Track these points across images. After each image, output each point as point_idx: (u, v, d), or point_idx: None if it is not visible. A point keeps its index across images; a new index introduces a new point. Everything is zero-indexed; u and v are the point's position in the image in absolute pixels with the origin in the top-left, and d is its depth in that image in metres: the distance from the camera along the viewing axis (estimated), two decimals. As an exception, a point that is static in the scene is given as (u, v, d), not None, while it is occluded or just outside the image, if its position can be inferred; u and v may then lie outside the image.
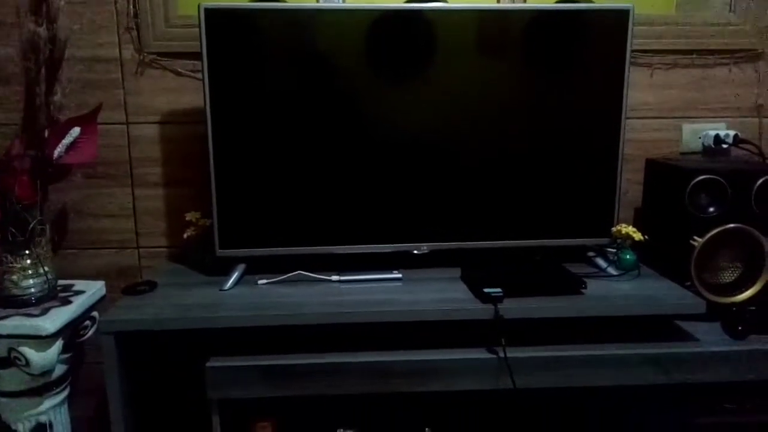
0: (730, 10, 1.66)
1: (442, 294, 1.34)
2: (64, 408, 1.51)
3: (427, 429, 1.38)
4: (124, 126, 1.64)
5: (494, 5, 1.58)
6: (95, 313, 1.53)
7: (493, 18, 1.43)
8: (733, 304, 1.41)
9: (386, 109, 1.44)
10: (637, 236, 1.43)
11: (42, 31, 1.46)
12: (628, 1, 1.45)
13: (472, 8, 1.43)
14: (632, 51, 1.46)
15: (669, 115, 1.71)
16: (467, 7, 1.44)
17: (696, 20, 1.66)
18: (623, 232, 1.45)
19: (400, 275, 1.44)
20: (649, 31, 1.64)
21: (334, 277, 1.43)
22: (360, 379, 1.24)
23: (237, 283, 1.42)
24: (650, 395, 1.36)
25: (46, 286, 1.45)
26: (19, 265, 1.41)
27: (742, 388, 1.31)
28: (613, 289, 1.37)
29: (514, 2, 1.60)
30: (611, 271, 1.46)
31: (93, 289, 1.54)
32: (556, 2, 1.60)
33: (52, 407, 1.46)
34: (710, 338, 1.33)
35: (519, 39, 1.43)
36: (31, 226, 1.41)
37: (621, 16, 1.43)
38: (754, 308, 1.39)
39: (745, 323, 1.33)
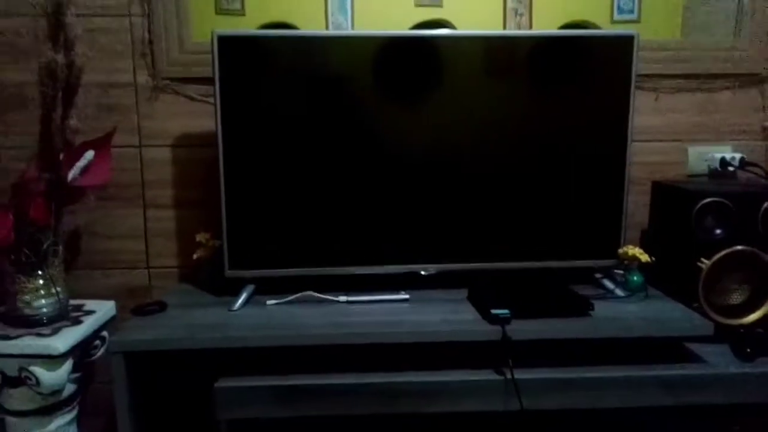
0: (734, 35, 1.68)
1: (450, 315, 1.34)
2: (74, 427, 1.51)
3: (434, 451, 1.37)
4: (138, 149, 1.67)
5: (501, 32, 1.61)
6: (105, 333, 1.54)
7: (500, 44, 1.46)
8: (741, 326, 1.40)
9: (394, 132, 1.46)
10: (644, 258, 1.43)
11: (59, 57, 1.50)
12: (633, 27, 1.47)
13: (479, 35, 1.46)
14: (638, 76, 1.48)
15: (675, 138, 1.72)
16: (474, 33, 1.47)
17: (701, 45, 1.67)
18: (630, 253, 1.45)
19: (407, 296, 1.45)
20: (655, 56, 1.66)
21: (342, 298, 1.44)
22: (368, 399, 1.24)
23: (246, 303, 1.43)
24: (658, 417, 1.35)
25: (58, 306, 1.46)
26: (31, 286, 1.43)
27: (751, 411, 1.30)
28: (621, 311, 1.36)
29: (520, 29, 1.63)
30: (618, 292, 1.46)
31: (103, 309, 1.55)
32: (561, 28, 1.63)
33: (62, 426, 1.46)
34: (718, 360, 1.32)
35: (525, 65, 1.45)
36: (45, 247, 1.43)
37: (626, 42, 1.45)
38: (762, 330, 1.38)
39: (753, 345, 1.32)
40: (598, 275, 1.55)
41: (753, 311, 1.41)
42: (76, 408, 1.51)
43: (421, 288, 1.49)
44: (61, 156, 1.49)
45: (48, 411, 1.43)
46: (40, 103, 1.60)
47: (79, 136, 1.55)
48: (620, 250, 1.48)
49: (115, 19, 1.62)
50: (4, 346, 1.36)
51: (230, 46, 1.39)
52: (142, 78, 1.65)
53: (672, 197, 1.54)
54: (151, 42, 1.63)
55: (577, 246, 1.51)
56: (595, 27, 1.64)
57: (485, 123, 1.46)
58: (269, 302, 1.43)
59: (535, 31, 1.62)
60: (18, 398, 1.41)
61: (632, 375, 1.26)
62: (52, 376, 1.38)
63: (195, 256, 1.53)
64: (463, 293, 1.46)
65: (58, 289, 1.46)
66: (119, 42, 1.63)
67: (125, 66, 1.64)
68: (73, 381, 1.47)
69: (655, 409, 1.29)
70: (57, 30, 1.57)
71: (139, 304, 1.43)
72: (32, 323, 1.43)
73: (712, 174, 1.69)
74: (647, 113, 1.69)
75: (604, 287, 1.50)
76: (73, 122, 1.55)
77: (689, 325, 1.30)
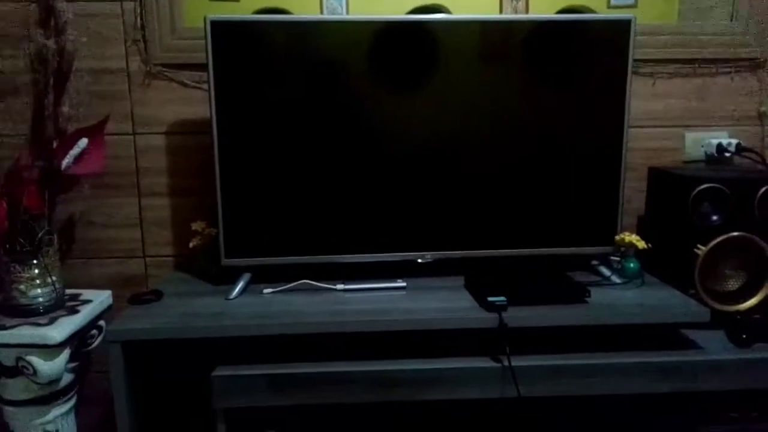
0: (731, 20, 1.67)
1: (446, 302, 1.34)
2: (71, 417, 1.51)
3: (431, 438, 1.38)
4: (131, 136, 1.65)
5: (497, 16, 1.60)
6: (102, 323, 1.53)
7: (496, 29, 1.44)
8: (738, 312, 1.41)
9: (390, 119, 1.45)
10: (641, 245, 1.44)
11: (50, 43, 1.47)
12: (630, 12, 1.46)
13: (475, 19, 1.45)
14: (634, 60, 1.47)
15: (671, 124, 1.72)
16: (470, 18, 1.46)
17: (698, 30, 1.66)
18: (627, 240, 1.45)
19: (404, 284, 1.45)
20: (652, 41, 1.65)
21: (339, 286, 1.44)
22: (365, 387, 1.25)
23: (242, 292, 1.43)
24: (654, 404, 1.35)
25: (54, 295, 1.46)
26: (27, 275, 1.42)
27: (747, 397, 1.31)
28: (617, 298, 1.37)
29: (516, 13, 1.62)
30: (615, 279, 1.47)
31: (100, 299, 1.55)
32: (558, 13, 1.61)
33: (59, 416, 1.46)
34: (714, 346, 1.33)
35: (522, 50, 1.44)
36: (39, 236, 1.42)
37: (623, 27, 1.44)
38: (758, 316, 1.39)
39: (749, 331, 1.33)
40: (594, 262, 1.55)
41: (749, 297, 1.42)
42: (74, 397, 1.51)
43: (418, 276, 1.49)
44: (54, 144, 1.47)
45: (45, 400, 1.43)
46: (31, 89, 1.58)
47: (72, 124, 1.53)
48: (617, 237, 1.48)
49: (107, 3, 1.60)
50: (0, 336, 1.35)
51: (224, 32, 1.37)
52: (135, 64, 1.63)
53: (668, 183, 1.54)
54: (143, 27, 1.61)
55: (574, 233, 1.51)
56: (592, 12, 1.62)
57: (481, 109, 1.45)
58: (266, 291, 1.43)
59: (532, 15, 1.61)
60: (15, 388, 1.41)
61: (629, 362, 1.26)
62: (49, 366, 1.38)
63: (191, 245, 1.53)
64: (460, 281, 1.46)
65: (54, 278, 1.45)
66: (111, 28, 1.61)
67: (117, 52, 1.62)
68: (71, 370, 1.47)
69: (652, 395, 1.30)
70: (47, 15, 1.54)
71: (135, 293, 1.43)
72: (28, 313, 1.42)
73: (709, 160, 1.69)
74: (644, 99, 1.69)
75: (600, 274, 1.51)
76: (65, 109, 1.53)
77: (685, 312, 1.31)
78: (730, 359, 1.28)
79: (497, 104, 1.46)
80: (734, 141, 1.66)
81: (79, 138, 1.45)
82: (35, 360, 1.37)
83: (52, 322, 1.40)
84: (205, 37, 1.36)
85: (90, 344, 1.52)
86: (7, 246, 1.41)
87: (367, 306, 1.34)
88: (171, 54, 1.61)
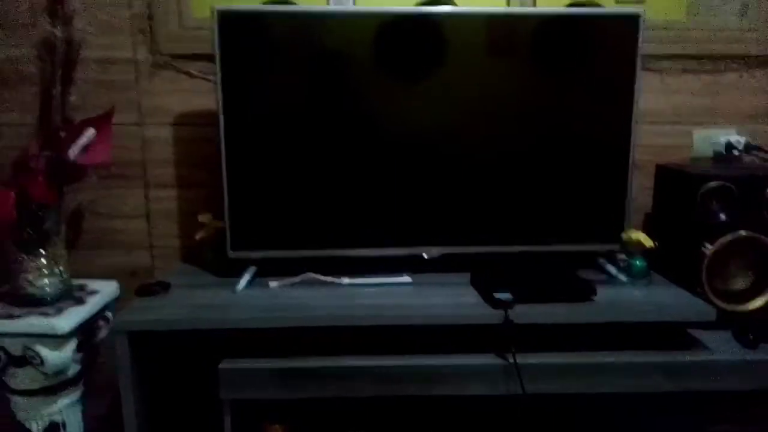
0: (741, 16, 1.66)
1: (452, 298, 1.34)
2: (78, 407, 1.52)
3: (436, 432, 1.39)
4: (138, 127, 1.65)
5: (504, 9, 1.59)
6: (109, 313, 1.54)
7: (503, 22, 1.44)
8: (745, 312, 1.40)
9: (397, 111, 1.45)
10: (648, 243, 1.43)
11: (57, 32, 1.47)
12: (638, 6, 1.45)
13: (482, 12, 1.44)
14: (643, 56, 1.45)
15: (680, 121, 1.71)
16: (477, 11, 1.45)
17: (707, 26, 1.65)
18: (634, 238, 1.44)
19: (410, 279, 1.45)
20: (660, 37, 1.63)
21: (345, 280, 1.44)
22: (370, 382, 1.25)
23: (249, 284, 1.43)
24: (660, 403, 1.36)
25: (61, 285, 1.46)
26: (34, 265, 1.42)
27: (753, 397, 1.31)
28: (624, 296, 1.37)
29: (524, 6, 1.60)
30: (621, 277, 1.46)
31: (107, 289, 1.55)
32: (567, 6, 1.60)
33: (66, 406, 1.47)
34: (721, 346, 1.32)
35: (529, 43, 1.43)
36: (47, 226, 1.43)
37: (631, 22, 1.43)
38: (766, 317, 1.39)
39: (756, 332, 1.33)
40: (601, 260, 1.55)
41: (757, 297, 1.41)
42: (81, 388, 1.52)
43: (424, 271, 1.49)
44: (62, 134, 1.47)
45: (53, 390, 1.44)
46: (38, 79, 1.57)
47: (79, 113, 1.53)
48: (623, 235, 1.48)
49: (113, -8, 1.59)
50: (8, 325, 1.36)
51: (231, 22, 1.36)
52: (142, 54, 1.62)
53: (676, 181, 1.53)
54: (150, 17, 1.60)
55: (581, 230, 1.51)
56: (600, 6, 1.61)
57: (488, 103, 1.45)
58: (272, 284, 1.43)
59: (539, 8, 1.60)
60: (22, 378, 1.41)
61: (635, 360, 1.26)
62: (56, 356, 1.38)
63: (197, 237, 1.53)
64: (466, 277, 1.46)
65: (61, 268, 1.46)
66: (118, 17, 1.60)
67: (124, 42, 1.61)
68: (78, 361, 1.47)
69: (657, 394, 1.30)
70: (55, 4, 1.53)
71: (142, 285, 1.43)
72: (35, 302, 1.42)
73: (717, 158, 1.68)
74: (652, 95, 1.68)
75: (606, 272, 1.50)
76: (72, 99, 1.53)
77: (692, 311, 1.31)
78: (737, 360, 1.28)
79: (504, 99, 1.45)
80: (743, 139, 1.64)
81: (86, 128, 1.45)
82: (42, 349, 1.37)
83: (59, 312, 1.40)
84: (213, 28, 1.35)
85: (97, 335, 1.52)
86: (15, 235, 1.41)
87: (372, 301, 1.34)
88: (178, 44, 1.61)
